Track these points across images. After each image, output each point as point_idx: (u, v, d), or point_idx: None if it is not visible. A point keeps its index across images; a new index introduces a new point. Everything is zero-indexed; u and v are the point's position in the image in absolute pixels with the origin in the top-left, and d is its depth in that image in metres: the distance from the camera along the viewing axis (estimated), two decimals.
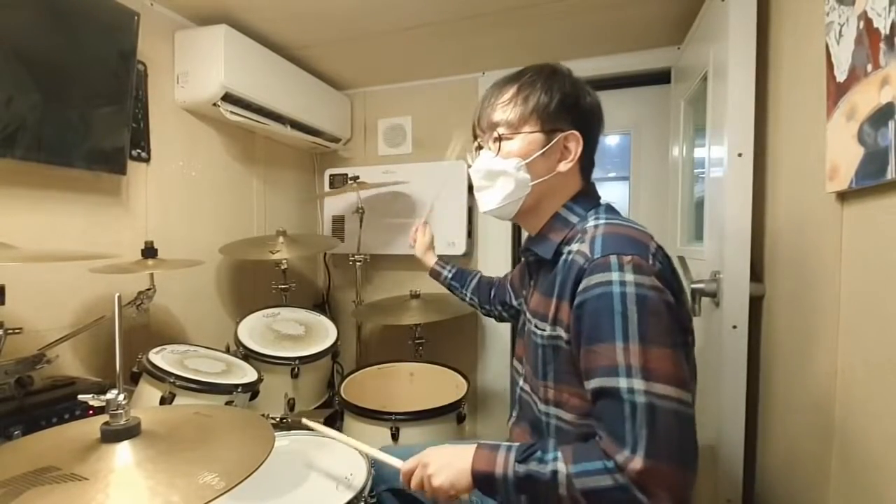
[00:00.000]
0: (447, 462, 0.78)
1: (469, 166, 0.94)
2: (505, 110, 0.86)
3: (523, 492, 0.71)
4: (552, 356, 0.81)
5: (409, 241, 1.49)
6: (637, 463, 0.63)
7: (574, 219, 0.86)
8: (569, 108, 0.85)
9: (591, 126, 0.88)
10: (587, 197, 0.89)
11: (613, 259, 0.71)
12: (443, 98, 2.27)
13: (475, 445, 0.79)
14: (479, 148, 0.93)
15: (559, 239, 0.85)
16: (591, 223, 0.82)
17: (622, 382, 0.66)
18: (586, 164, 0.90)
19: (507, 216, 0.91)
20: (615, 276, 0.70)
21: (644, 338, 0.67)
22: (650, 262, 0.72)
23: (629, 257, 0.71)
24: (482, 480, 0.75)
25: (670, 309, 0.70)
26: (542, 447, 0.73)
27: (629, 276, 0.70)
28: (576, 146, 0.86)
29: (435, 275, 1.42)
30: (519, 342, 0.98)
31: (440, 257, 1.44)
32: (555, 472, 0.69)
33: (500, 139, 0.86)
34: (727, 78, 1.19)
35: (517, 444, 0.76)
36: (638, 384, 0.66)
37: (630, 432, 0.65)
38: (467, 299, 1.37)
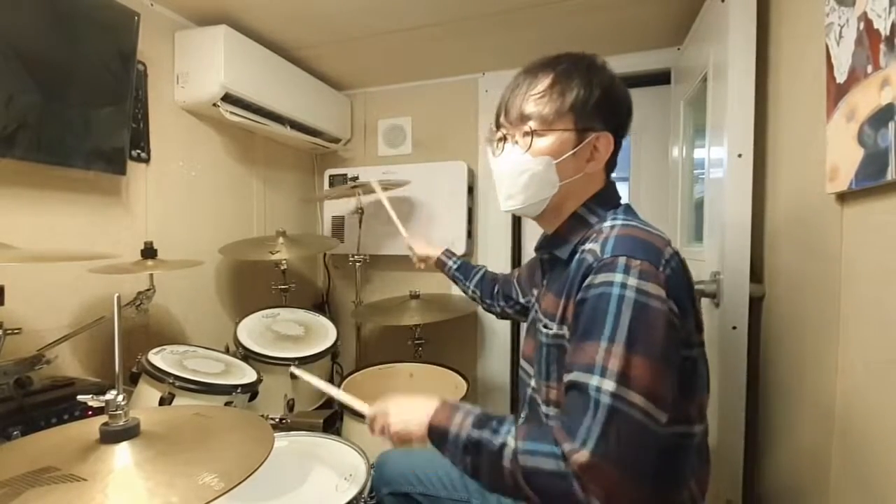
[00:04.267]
0: (407, 412, 0.78)
1: (496, 156, 0.88)
2: (539, 103, 0.81)
3: (469, 454, 0.71)
4: (556, 355, 0.80)
5: (413, 259, 1.49)
6: (582, 456, 0.62)
7: (593, 219, 0.84)
8: (605, 108, 0.81)
9: (623, 126, 0.85)
10: (608, 197, 0.86)
11: (622, 260, 0.70)
12: (443, 98, 2.26)
13: (437, 400, 0.78)
14: (503, 140, 0.87)
15: (577, 239, 0.83)
16: (608, 223, 0.80)
17: (594, 380, 0.66)
18: (611, 164, 0.87)
19: (531, 215, 0.89)
20: (619, 277, 0.69)
21: (631, 343, 0.66)
22: (660, 269, 0.70)
23: (638, 261, 0.69)
24: (436, 434, 0.75)
25: (670, 321, 0.69)
26: (500, 420, 0.73)
27: (632, 280, 0.68)
28: (606, 148, 0.82)
29: (440, 265, 1.42)
30: (527, 341, 0.96)
31: (447, 250, 1.43)
32: (503, 445, 0.68)
33: (531, 134, 0.81)
34: (727, 79, 1.19)
35: (479, 410, 0.76)
36: (608, 385, 0.64)
37: (585, 427, 0.64)
38: (469, 292, 1.36)
